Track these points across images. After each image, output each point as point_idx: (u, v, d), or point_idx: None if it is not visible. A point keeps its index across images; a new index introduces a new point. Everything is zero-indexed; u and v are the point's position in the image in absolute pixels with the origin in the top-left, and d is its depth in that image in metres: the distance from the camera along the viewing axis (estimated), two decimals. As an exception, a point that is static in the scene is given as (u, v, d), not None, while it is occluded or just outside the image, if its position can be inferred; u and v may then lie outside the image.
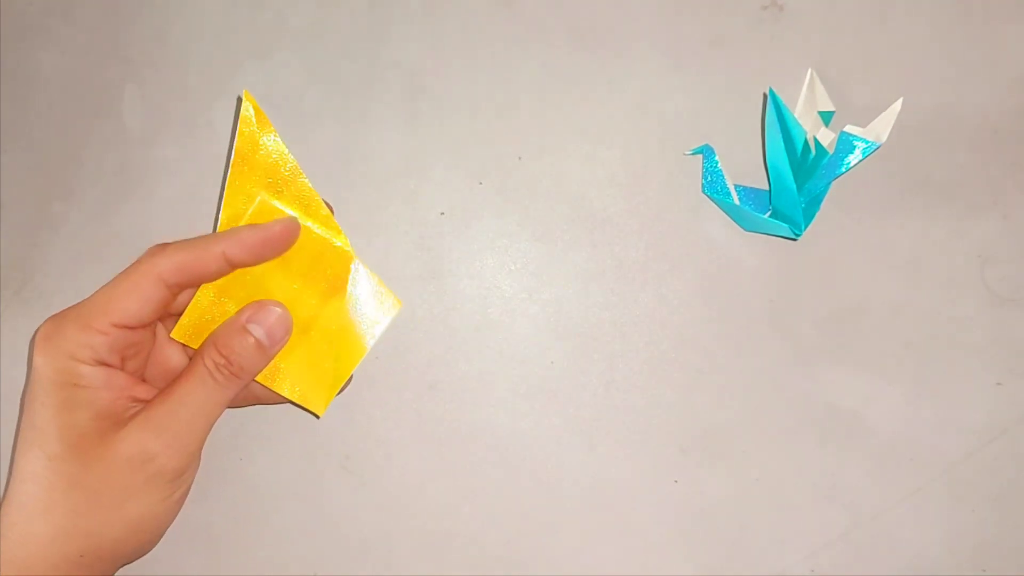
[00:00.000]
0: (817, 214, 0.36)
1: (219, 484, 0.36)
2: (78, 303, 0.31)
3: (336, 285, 0.33)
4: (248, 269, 0.32)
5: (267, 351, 0.31)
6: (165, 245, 0.31)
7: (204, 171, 0.38)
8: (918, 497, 0.36)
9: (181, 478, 0.31)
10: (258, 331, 0.31)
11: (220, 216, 0.31)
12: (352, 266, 0.33)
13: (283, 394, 0.33)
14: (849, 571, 0.36)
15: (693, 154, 0.37)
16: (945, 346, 0.36)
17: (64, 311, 0.31)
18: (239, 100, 0.30)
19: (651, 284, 0.37)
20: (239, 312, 0.31)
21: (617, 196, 0.37)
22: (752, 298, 0.37)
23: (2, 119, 0.38)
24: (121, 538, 0.31)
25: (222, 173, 0.37)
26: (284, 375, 0.32)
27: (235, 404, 0.34)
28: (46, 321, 0.31)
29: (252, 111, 0.31)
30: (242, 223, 0.32)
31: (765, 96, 0.37)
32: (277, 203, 0.32)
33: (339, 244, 0.32)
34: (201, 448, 0.31)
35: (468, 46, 0.38)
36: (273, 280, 0.32)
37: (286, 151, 0.32)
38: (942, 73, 0.37)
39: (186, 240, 0.31)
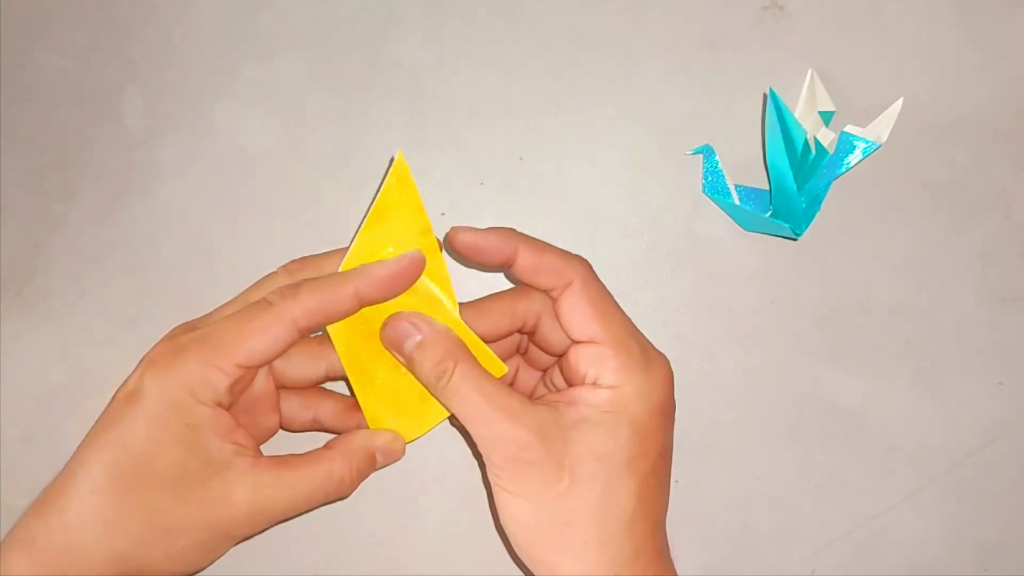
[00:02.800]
0: (817, 214, 0.36)
1: (220, 484, 0.36)
2: (199, 332, 0.30)
3: None
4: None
5: (378, 466, 0.33)
6: (296, 287, 0.30)
7: (205, 172, 0.38)
8: (918, 497, 0.36)
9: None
10: (382, 459, 0.33)
11: (344, 262, 0.31)
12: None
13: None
14: (850, 571, 0.36)
15: (693, 154, 0.37)
16: (945, 346, 0.36)
17: (185, 339, 0.30)
18: (391, 161, 0.31)
19: (651, 284, 0.37)
20: (377, 432, 0.33)
21: (618, 196, 0.37)
22: (752, 298, 0.37)
23: (2, 119, 0.38)
24: (169, 572, 0.30)
25: (222, 174, 0.38)
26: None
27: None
28: (163, 342, 0.30)
29: (402, 175, 0.31)
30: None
31: (765, 96, 0.37)
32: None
33: (449, 306, 0.32)
34: None
35: (469, 46, 0.38)
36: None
37: (424, 214, 0.31)
38: (942, 73, 0.37)
39: (315, 281, 0.30)
